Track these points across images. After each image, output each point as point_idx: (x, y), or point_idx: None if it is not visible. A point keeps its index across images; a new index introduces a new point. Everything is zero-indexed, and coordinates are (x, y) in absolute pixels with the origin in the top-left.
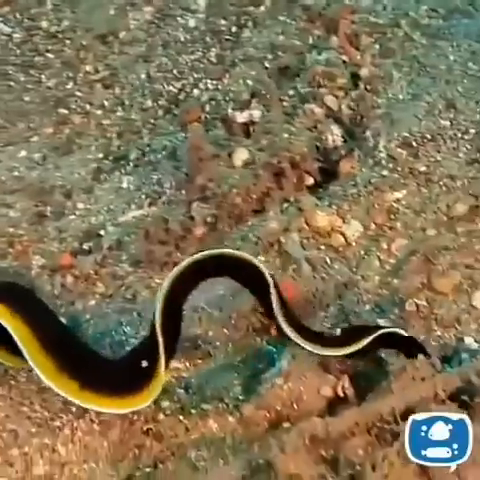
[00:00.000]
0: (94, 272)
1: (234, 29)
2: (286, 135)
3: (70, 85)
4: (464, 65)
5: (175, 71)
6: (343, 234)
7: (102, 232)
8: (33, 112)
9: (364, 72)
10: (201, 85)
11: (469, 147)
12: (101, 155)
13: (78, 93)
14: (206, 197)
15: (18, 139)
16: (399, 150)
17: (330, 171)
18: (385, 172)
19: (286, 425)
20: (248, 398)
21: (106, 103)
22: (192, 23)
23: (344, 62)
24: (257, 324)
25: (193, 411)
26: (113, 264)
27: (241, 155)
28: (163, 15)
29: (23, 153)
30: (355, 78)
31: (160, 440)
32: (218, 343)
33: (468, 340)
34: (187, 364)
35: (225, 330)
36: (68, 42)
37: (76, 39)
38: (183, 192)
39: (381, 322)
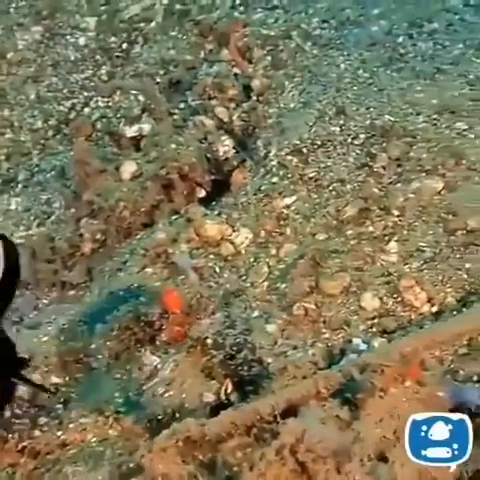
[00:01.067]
0: None
1: (125, 46)
2: (174, 146)
3: None
4: (354, 73)
5: (65, 90)
6: (232, 242)
7: None
8: None
9: (256, 83)
10: (92, 103)
11: (359, 152)
12: None
13: None
14: (94, 213)
15: None
16: (289, 157)
17: (222, 182)
18: (275, 179)
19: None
20: (129, 410)
21: None
22: (82, 41)
23: (235, 75)
24: (140, 334)
25: (71, 426)
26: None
27: (129, 168)
28: (52, 34)
29: None
30: (247, 90)
31: (35, 457)
32: (100, 356)
33: (356, 341)
34: (67, 379)
35: (107, 342)
36: None
37: None
38: (72, 210)
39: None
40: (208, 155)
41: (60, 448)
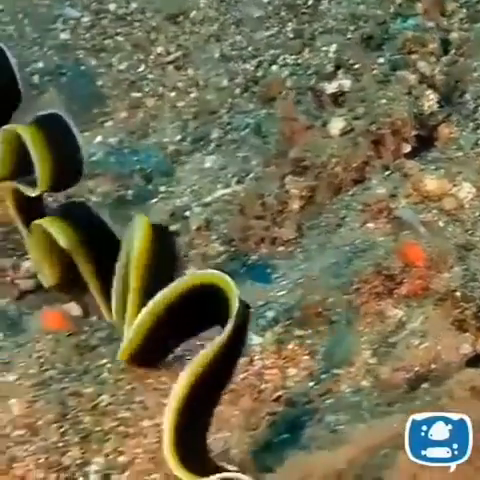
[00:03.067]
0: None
1: (310, 2)
2: (384, 101)
3: (142, 68)
4: None
5: (250, 48)
6: (455, 197)
7: (188, 213)
8: (106, 96)
9: (454, 37)
10: (279, 61)
11: None
12: (178, 137)
13: (150, 76)
14: (300, 170)
15: (93, 124)
16: None
17: (426, 138)
18: None
19: (425, 386)
20: (382, 361)
21: (179, 84)
22: None
23: (431, 28)
24: (380, 288)
25: (323, 376)
26: (203, 245)
27: (337, 124)
28: None
29: (99, 138)
30: (445, 43)
31: (293, 406)
32: (339, 309)
33: None
34: (310, 331)
35: (345, 296)
36: (137, 24)
37: (145, 21)
38: (272, 167)
39: None
40: (414, 110)
41: (317, 398)
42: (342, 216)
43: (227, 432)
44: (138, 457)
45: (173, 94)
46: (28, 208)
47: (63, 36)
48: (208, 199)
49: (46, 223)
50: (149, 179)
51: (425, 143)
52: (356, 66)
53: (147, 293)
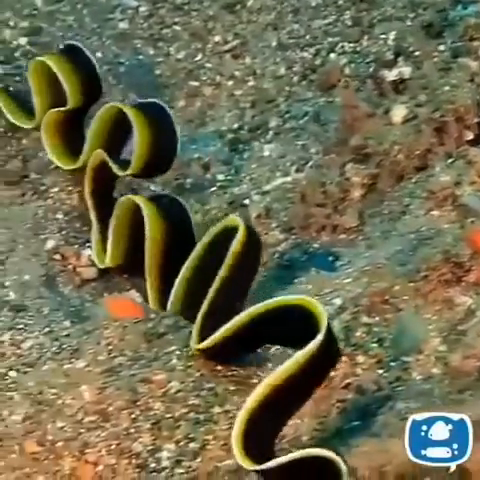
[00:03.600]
0: None
1: None
2: (446, 88)
3: (199, 56)
4: None
5: (308, 37)
6: None
7: (247, 202)
8: (164, 85)
9: None
10: (337, 49)
11: None
12: (236, 125)
13: (208, 64)
14: (361, 157)
15: None
16: None
17: None
18: None
19: None
20: (452, 349)
21: (237, 73)
22: None
23: None
24: (448, 275)
25: (392, 364)
26: (263, 233)
27: (399, 111)
28: None
29: None
30: None
31: (362, 394)
32: (405, 297)
33: None
34: (377, 319)
35: (412, 283)
36: (195, 13)
37: (203, 10)
38: (332, 155)
39: None
40: (477, 97)
41: (387, 385)
42: (406, 204)
43: (298, 419)
44: (209, 444)
45: (230, 83)
46: (103, 191)
47: (121, 26)
48: (267, 187)
49: (142, 201)
50: (207, 167)
51: None
52: (416, 53)
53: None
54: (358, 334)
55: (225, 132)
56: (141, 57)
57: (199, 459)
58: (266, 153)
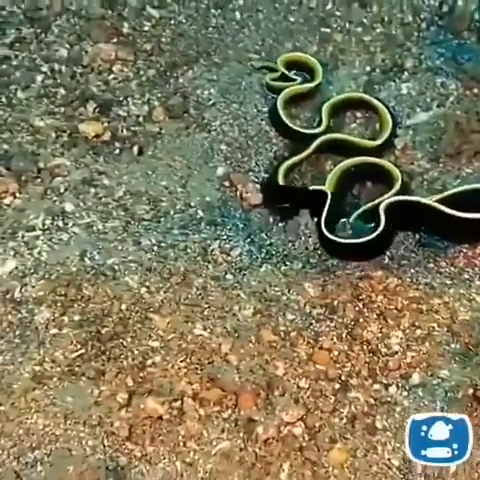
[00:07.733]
0: None
1: None
2: None
3: (330, 5)
4: None
5: None
6: None
7: None
8: (298, 31)
9: None
10: None
11: None
12: (368, 68)
13: (338, 12)
14: None
15: None
16: None
17: None
18: None
19: None
20: None
21: (365, 21)
22: None
23: None
24: None
25: None
26: (408, 163)
27: None
28: None
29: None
30: None
31: None
32: None
33: None
34: None
35: None
36: None
37: None
38: (467, 92)
39: None
40: None
41: None
42: None
43: None
44: (435, 330)
45: (359, 29)
46: None
47: None
48: (409, 122)
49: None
50: None
51: None
52: None
53: None
54: None
55: (358, 75)
56: (277, 5)
57: (426, 343)
58: (404, 91)
